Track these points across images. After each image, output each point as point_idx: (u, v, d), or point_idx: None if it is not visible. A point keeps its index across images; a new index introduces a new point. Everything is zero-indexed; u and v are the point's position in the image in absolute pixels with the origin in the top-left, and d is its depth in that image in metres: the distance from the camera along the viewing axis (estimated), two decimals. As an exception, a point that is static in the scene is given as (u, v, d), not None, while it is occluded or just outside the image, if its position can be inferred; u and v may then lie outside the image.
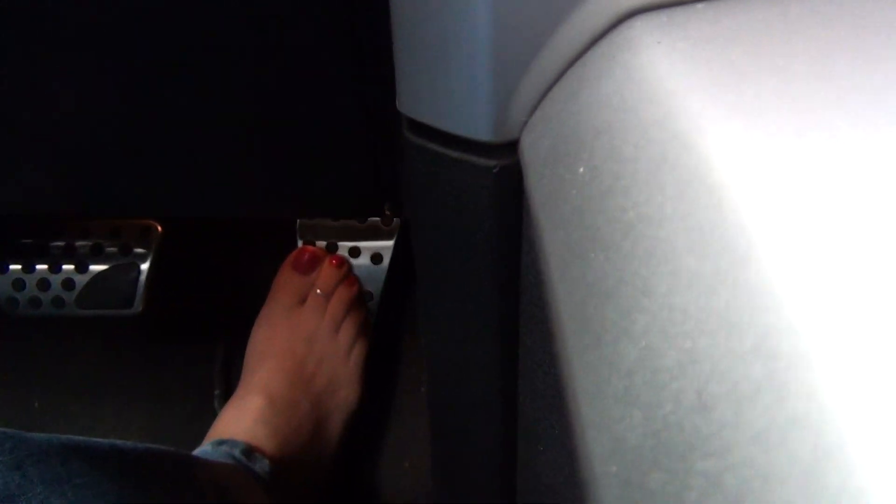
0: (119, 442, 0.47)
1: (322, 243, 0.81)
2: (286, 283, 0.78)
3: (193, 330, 0.93)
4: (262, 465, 0.65)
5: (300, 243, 0.81)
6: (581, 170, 0.21)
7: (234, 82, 0.50)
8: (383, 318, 0.84)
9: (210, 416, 0.88)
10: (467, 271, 0.31)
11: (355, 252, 0.80)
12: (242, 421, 0.70)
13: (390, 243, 0.79)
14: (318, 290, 0.76)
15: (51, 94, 0.53)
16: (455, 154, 0.28)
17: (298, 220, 0.79)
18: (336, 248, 0.80)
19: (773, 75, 0.18)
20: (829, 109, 0.17)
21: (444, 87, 0.27)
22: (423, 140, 0.29)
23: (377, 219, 0.78)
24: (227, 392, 0.89)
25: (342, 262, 0.78)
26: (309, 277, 0.77)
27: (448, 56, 0.26)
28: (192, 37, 0.47)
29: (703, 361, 0.13)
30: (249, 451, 0.66)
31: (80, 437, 0.44)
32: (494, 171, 0.27)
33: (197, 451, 0.66)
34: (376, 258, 0.80)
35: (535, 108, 0.26)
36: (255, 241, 0.94)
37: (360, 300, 0.80)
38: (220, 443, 0.67)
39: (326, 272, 0.77)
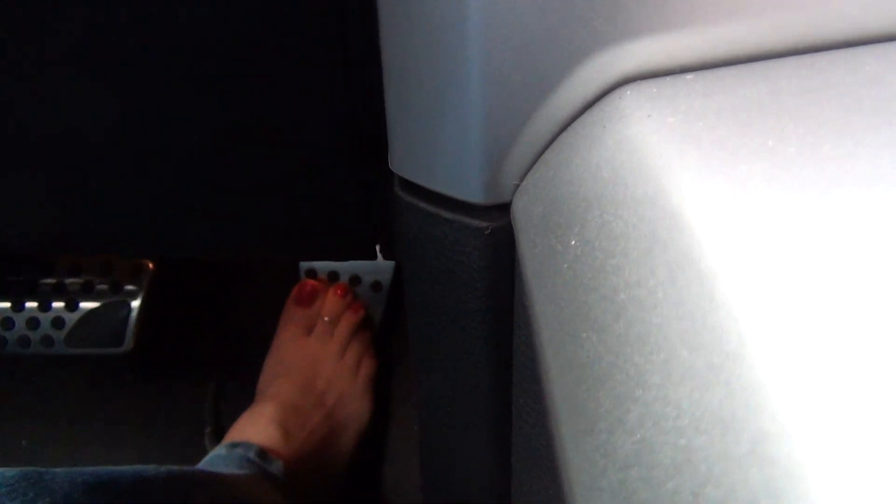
0: (142, 468, 0.47)
1: (324, 273, 0.83)
2: (291, 317, 0.81)
3: (184, 368, 0.93)
4: (276, 466, 0.66)
5: (303, 274, 0.83)
6: (573, 242, 0.21)
7: (227, 124, 0.50)
8: (384, 344, 0.85)
9: (200, 454, 0.87)
10: (459, 328, 0.31)
11: (355, 281, 0.82)
12: (256, 425, 0.71)
13: (389, 271, 0.81)
14: (326, 318, 0.79)
15: (39, 126, 0.53)
16: (447, 214, 0.28)
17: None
18: (338, 276, 0.82)
19: (764, 157, 0.18)
20: (821, 193, 0.17)
21: (436, 150, 0.27)
22: (414, 199, 0.29)
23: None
24: (218, 430, 0.89)
25: (346, 290, 0.81)
26: (312, 309, 0.80)
27: (439, 120, 0.26)
28: (186, 77, 0.47)
29: (700, 462, 0.13)
30: (263, 452, 0.67)
31: (103, 469, 0.44)
32: (486, 232, 0.27)
33: (211, 454, 0.68)
34: (376, 286, 0.81)
35: (526, 171, 0.26)
36: (247, 280, 0.94)
37: (365, 322, 0.82)
38: (234, 445, 0.68)
39: (332, 300, 0.80)
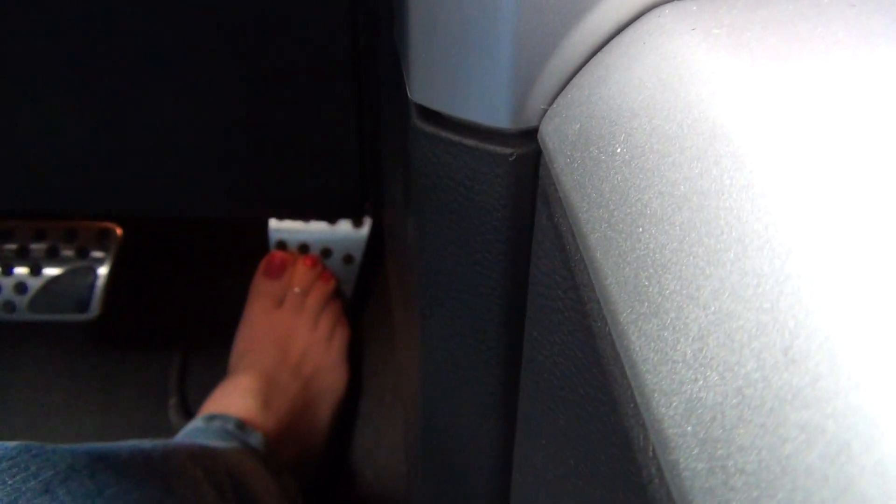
0: (139, 442, 0.47)
1: (294, 245, 0.82)
2: (260, 289, 0.79)
3: (149, 337, 0.91)
4: (256, 438, 0.65)
5: (273, 246, 0.82)
6: (619, 150, 0.21)
7: (213, 73, 0.49)
8: (356, 317, 0.85)
9: (165, 427, 0.86)
10: (475, 262, 0.31)
11: (327, 253, 0.81)
12: (233, 396, 0.70)
13: (361, 244, 0.80)
14: (297, 290, 0.78)
15: (6, 81, 0.51)
16: (470, 142, 0.28)
17: (270, 224, 0.80)
18: (308, 249, 0.81)
19: (819, 58, 0.18)
20: (880, 86, 0.17)
21: (463, 76, 0.27)
22: (435, 128, 0.29)
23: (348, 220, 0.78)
24: (183, 402, 0.87)
25: (316, 261, 0.80)
26: (282, 281, 0.79)
27: (468, 44, 0.26)
28: (172, 25, 0.46)
29: (788, 319, 0.14)
30: (242, 424, 0.66)
31: (103, 444, 0.44)
32: (511, 158, 0.28)
33: (189, 427, 0.67)
34: (348, 259, 0.81)
35: (556, 95, 0.26)
36: (217, 250, 0.92)
37: (336, 293, 0.82)
38: (212, 417, 0.67)
39: (301, 271, 0.79)
